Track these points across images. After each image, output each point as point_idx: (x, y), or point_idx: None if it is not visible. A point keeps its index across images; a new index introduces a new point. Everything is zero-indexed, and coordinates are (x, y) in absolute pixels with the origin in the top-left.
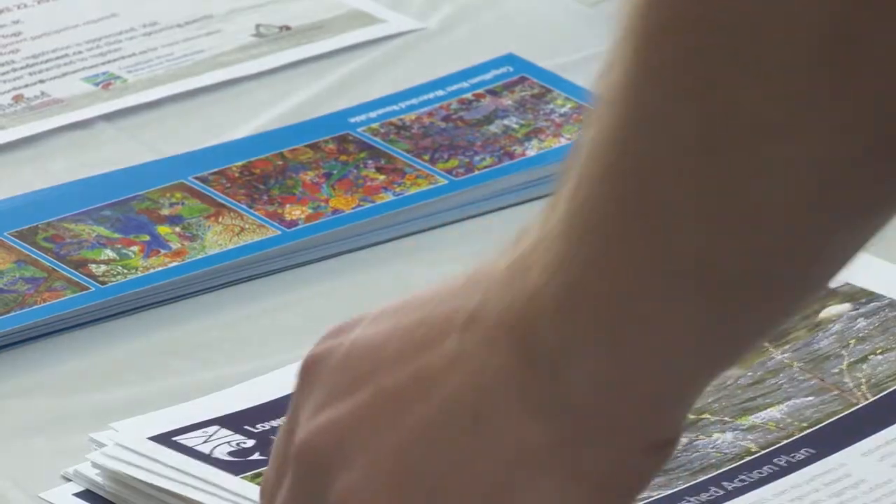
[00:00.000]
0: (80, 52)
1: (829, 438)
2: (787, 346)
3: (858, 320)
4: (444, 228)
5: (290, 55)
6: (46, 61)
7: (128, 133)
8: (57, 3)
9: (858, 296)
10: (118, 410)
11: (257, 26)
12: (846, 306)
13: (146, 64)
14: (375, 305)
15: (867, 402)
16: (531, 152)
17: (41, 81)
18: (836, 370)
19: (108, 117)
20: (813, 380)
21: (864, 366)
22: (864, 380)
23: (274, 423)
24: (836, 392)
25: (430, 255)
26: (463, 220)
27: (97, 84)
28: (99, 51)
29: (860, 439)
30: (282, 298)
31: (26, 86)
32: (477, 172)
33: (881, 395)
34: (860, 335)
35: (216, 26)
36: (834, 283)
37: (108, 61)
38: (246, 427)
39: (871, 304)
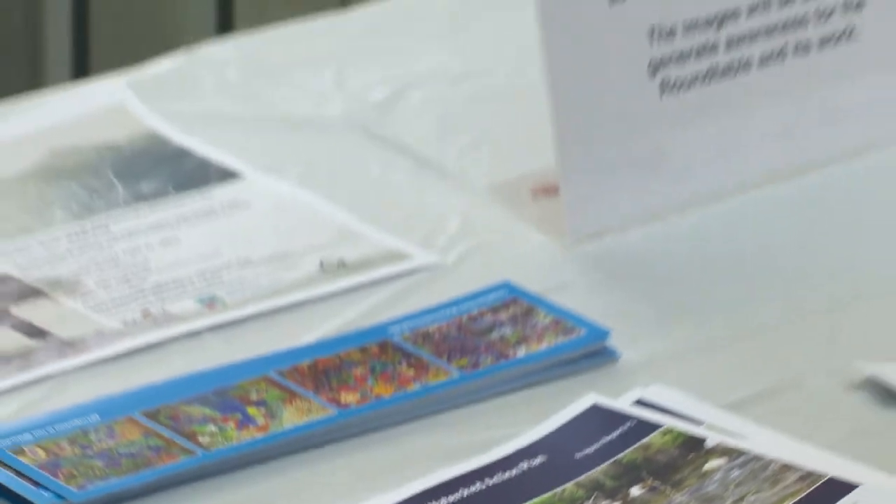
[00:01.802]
0: (191, 281)
1: None
2: (684, 491)
3: (733, 470)
4: (456, 410)
5: (345, 283)
6: (167, 287)
7: (227, 340)
8: (175, 245)
9: (732, 452)
10: None
11: (321, 262)
12: (723, 460)
13: (240, 289)
14: (405, 463)
15: None
16: (521, 354)
17: (163, 301)
18: None
19: (213, 329)
20: None
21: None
22: None
23: None
24: None
25: (447, 430)
26: (470, 403)
27: (204, 304)
28: (206, 280)
29: None
30: (340, 461)
31: (151, 305)
32: (481, 368)
33: None
34: (737, 482)
35: (292, 261)
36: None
37: (213, 287)
38: None
39: (741, 458)
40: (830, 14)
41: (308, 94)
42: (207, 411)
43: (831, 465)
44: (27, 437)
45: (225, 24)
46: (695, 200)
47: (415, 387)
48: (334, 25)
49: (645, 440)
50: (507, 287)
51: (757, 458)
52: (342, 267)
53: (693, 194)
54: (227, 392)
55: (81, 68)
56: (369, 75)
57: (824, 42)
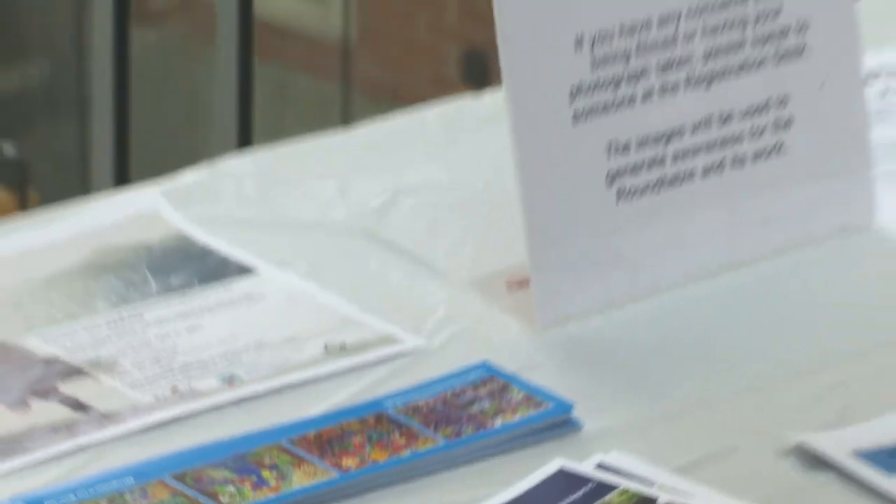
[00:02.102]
0: (214, 361)
1: None
2: None
3: None
4: (442, 473)
5: (346, 363)
6: (192, 367)
7: (245, 412)
8: (200, 331)
9: None
10: None
11: (325, 345)
12: None
13: (256, 368)
14: None
15: None
16: (497, 424)
17: (189, 379)
18: None
19: (232, 403)
20: None
21: None
22: None
23: None
24: None
25: (435, 491)
26: (454, 467)
27: (225, 381)
28: (226, 360)
29: None
30: None
31: (179, 382)
32: (463, 437)
33: None
34: None
35: (300, 345)
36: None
37: (232, 366)
38: None
39: None
40: (762, 132)
41: (315, 202)
42: (227, 474)
43: None
44: (71, 497)
45: (244, 140)
46: (648, 291)
47: (406, 453)
48: (338, 143)
49: (605, 499)
50: (486, 367)
51: None
52: (343, 349)
53: (646, 286)
54: (245, 457)
55: (123, 178)
56: (368, 185)
57: (757, 156)
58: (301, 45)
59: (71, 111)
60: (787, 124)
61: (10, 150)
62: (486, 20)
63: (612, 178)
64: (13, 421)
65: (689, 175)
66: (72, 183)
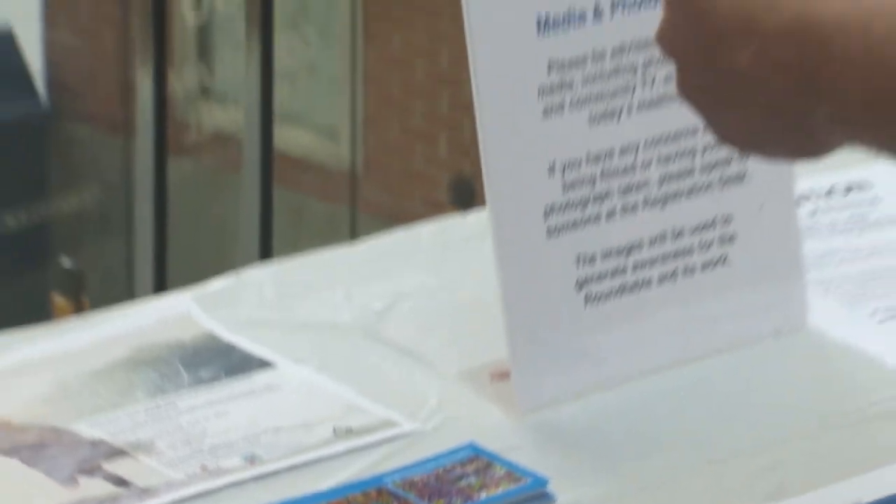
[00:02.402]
0: (238, 443)
1: None
2: None
3: None
4: None
5: (352, 444)
6: (219, 448)
7: (264, 487)
8: (226, 417)
9: None
10: None
11: (334, 429)
12: None
13: (274, 449)
14: None
15: None
16: (482, 497)
17: (216, 458)
18: None
19: (254, 479)
20: None
21: None
22: None
23: None
24: None
25: None
26: None
27: (247, 460)
28: (248, 442)
29: None
30: None
31: (208, 461)
32: None
33: None
34: None
35: (312, 428)
36: None
37: (254, 447)
38: None
39: None
40: (709, 246)
41: (325, 306)
42: None
43: None
44: None
45: (265, 254)
46: (613, 383)
47: None
48: (345, 256)
49: None
50: (472, 447)
51: None
52: (350, 432)
53: (612, 378)
54: None
55: (161, 286)
56: (371, 292)
57: (705, 266)
58: (314, 174)
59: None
60: (730, 239)
61: (67, 262)
62: (472, 153)
63: (581, 285)
64: (64, 495)
65: (647, 282)
66: (118, 290)
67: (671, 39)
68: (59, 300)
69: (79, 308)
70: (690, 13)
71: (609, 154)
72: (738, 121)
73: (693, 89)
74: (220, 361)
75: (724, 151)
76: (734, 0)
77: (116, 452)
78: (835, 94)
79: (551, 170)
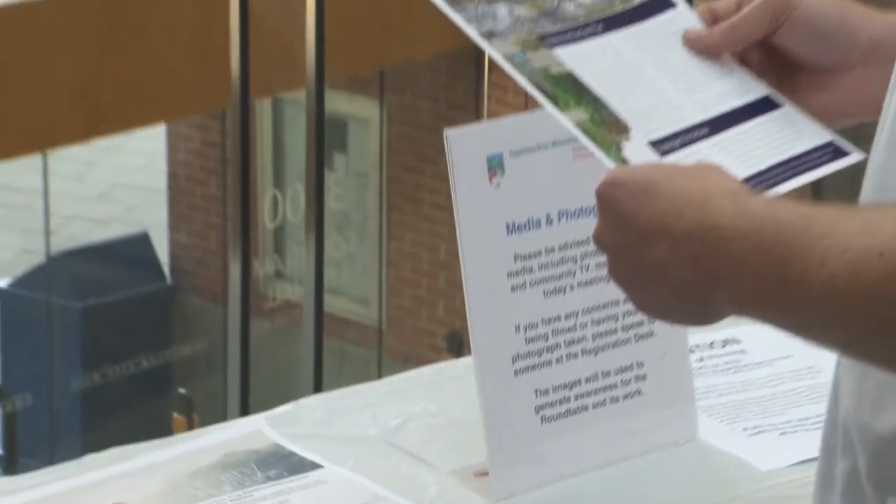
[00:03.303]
0: None
1: None
2: None
3: None
4: None
5: None
6: None
7: None
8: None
9: None
10: None
11: None
12: None
13: None
14: None
15: None
16: None
17: None
18: None
19: None
20: None
21: None
22: None
23: None
24: None
25: None
26: None
27: None
28: None
29: None
30: None
31: None
32: None
33: None
34: None
35: None
36: None
37: None
38: None
39: None
40: (629, 382)
41: (359, 424)
42: None
43: None
44: None
45: (318, 387)
46: (562, 477)
47: None
48: (373, 388)
49: None
50: None
51: None
52: None
53: (561, 474)
54: None
55: (244, 410)
56: (390, 413)
57: (625, 396)
58: (352, 329)
59: (218, 370)
60: (643, 378)
61: (184, 393)
62: (461, 315)
63: (538, 409)
64: None
65: (585, 407)
66: (216, 412)
67: (604, 238)
68: (177, 418)
69: (191, 424)
70: (619, 218)
71: (557, 318)
72: (653, 297)
73: (620, 274)
74: (284, 464)
75: (638, 316)
76: (651, 209)
77: None
78: (731, 281)
79: (517, 329)
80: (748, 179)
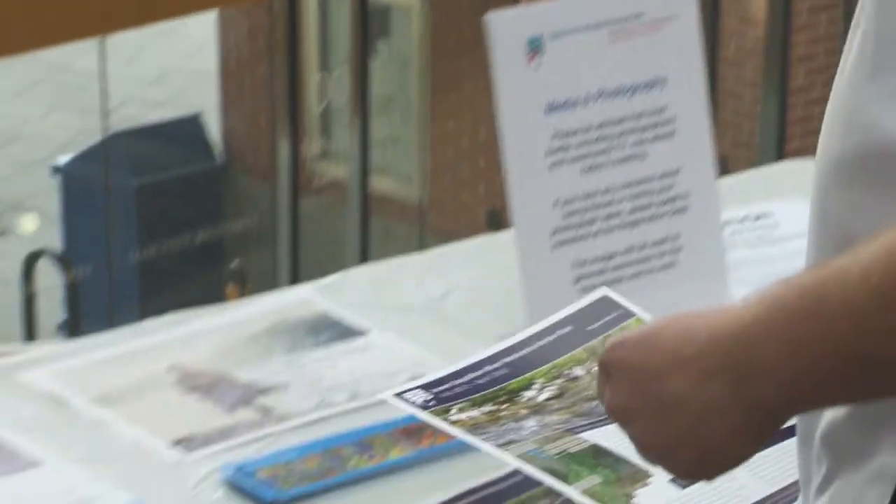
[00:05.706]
0: (344, 384)
1: None
2: None
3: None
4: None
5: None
6: (332, 388)
7: (363, 414)
8: (335, 367)
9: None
10: None
11: (411, 376)
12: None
13: (369, 388)
14: None
15: None
16: None
17: (330, 394)
18: None
19: (356, 410)
20: None
21: None
22: None
23: None
24: None
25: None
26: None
27: (351, 396)
28: (352, 383)
29: None
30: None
31: (324, 396)
32: None
33: None
34: None
35: (393, 376)
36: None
37: (356, 387)
38: None
39: None
40: (664, 255)
41: (403, 293)
42: (352, 450)
43: None
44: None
45: (364, 259)
46: None
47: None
48: (416, 260)
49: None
50: None
51: None
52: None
53: None
54: (363, 440)
55: (295, 279)
56: (433, 284)
57: (661, 268)
58: (396, 207)
59: (268, 244)
60: (678, 251)
61: (237, 264)
62: (501, 194)
63: (576, 280)
64: (227, 419)
65: (621, 279)
66: (267, 283)
67: (620, 401)
68: (230, 290)
69: (244, 294)
70: (631, 372)
71: (595, 193)
72: (684, 443)
73: (646, 442)
74: (332, 330)
75: (674, 191)
76: (660, 349)
77: (262, 391)
78: (775, 365)
79: (556, 204)
80: None
